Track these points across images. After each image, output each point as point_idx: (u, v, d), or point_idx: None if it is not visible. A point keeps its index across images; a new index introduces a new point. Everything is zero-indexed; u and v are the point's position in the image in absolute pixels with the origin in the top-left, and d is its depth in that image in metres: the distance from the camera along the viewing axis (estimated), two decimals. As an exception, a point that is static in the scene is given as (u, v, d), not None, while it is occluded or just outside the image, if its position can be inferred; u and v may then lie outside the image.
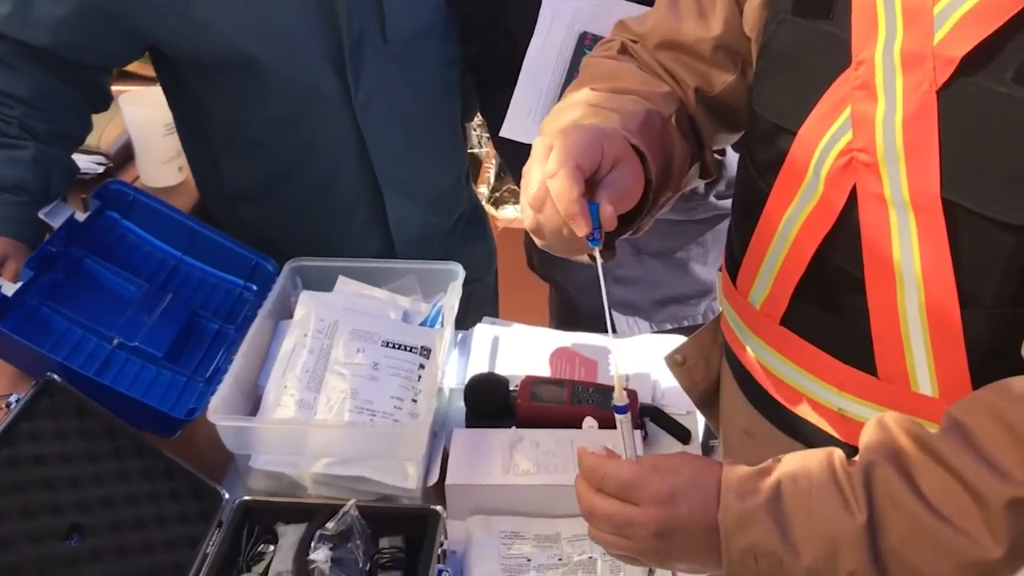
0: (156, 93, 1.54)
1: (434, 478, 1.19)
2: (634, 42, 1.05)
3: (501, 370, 1.36)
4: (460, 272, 1.37)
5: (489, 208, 2.49)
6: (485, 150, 2.77)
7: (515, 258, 1.87)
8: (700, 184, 1.11)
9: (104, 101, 1.46)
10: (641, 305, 1.67)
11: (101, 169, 1.65)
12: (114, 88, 1.48)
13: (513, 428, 1.23)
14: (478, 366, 1.39)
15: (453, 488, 1.17)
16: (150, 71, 1.51)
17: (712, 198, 1.57)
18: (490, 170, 2.71)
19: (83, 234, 1.30)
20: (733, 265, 1.00)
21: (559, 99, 1.41)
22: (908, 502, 0.72)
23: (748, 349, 0.98)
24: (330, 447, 1.17)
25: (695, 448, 1.26)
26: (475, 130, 2.70)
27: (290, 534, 1.08)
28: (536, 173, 0.82)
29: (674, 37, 1.01)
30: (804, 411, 0.93)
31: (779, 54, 0.90)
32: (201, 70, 1.39)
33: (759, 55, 0.94)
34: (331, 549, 1.04)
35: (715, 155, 1.10)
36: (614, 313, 1.67)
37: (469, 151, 1.97)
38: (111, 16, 1.30)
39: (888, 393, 0.85)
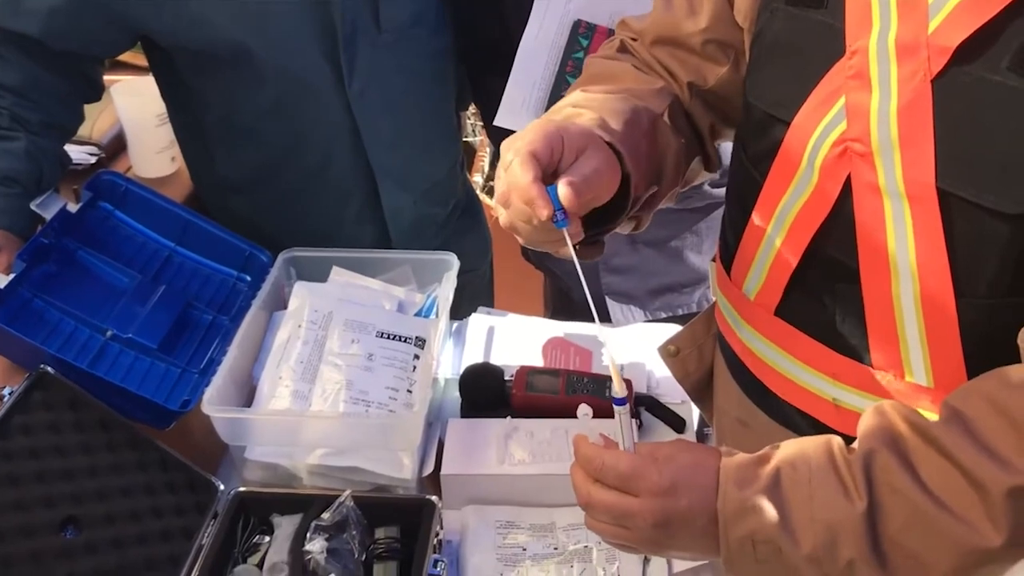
0: (149, 83, 1.53)
1: (429, 468, 1.20)
2: (633, 40, 1.06)
3: (496, 360, 1.36)
4: (455, 262, 1.37)
5: (484, 197, 2.48)
6: (479, 139, 2.76)
7: (510, 248, 1.85)
8: (707, 178, 1.11)
9: (96, 92, 1.45)
10: (635, 294, 1.67)
11: (93, 160, 1.65)
12: (106, 78, 1.47)
13: (508, 418, 1.23)
14: (473, 356, 1.39)
15: (448, 478, 1.17)
16: (142, 61, 1.51)
17: (707, 187, 1.57)
18: (484, 159, 2.70)
19: (76, 225, 1.29)
20: (727, 255, 1.00)
21: (553, 88, 1.42)
22: (908, 490, 0.73)
23: (742, 339, 0.98)
24: (325, 438, 1.17)
25: (689, 437, 1.27)
26: (469, 119, 2.69)
27: (285, 525, 1.08)
28: (501, 173, 0.83)
29: (667, 33, 1.02)
30: (798, 401, 0.93)
31: (772, 44, 0.90)
32: (194, 60, 1.38)
33: (752, 45, 0.94)
34: (327, 540, 1.04)
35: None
36: (609, 301, 1.67)
37: (463, 140, 1.96)
38: (102, 5, 1.29)
39: (883, 383, 0.85)
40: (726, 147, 1.47)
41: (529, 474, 1.16)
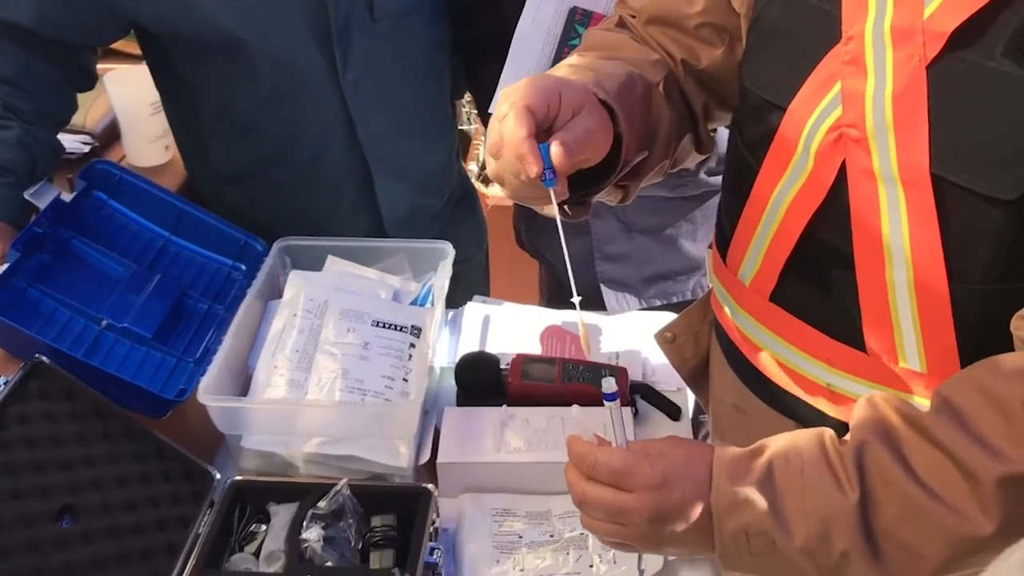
0: (142, 71, 1.52)
1: (425, 456, 1.20)
2: (632, 17, 1.06)
3: (492, 349, 1.36)
4: (450, 251, 1.37)
5: (479, 185, 2.48)
6: (474, 127, 2.75)
7: (505, 236, 1.86)
8: (698, 159, 1.11)
9: (89, 80, 1.44)
10: (630, 282, 1.67)
11: (87, 149, 1.64)
12: (99, 66, 1.46)
13: (504, 406, 1.23)
14: (469, 345, 1.39)
15: (444, 466, 1.18)
16: (136, 49, 1.50)
17: (702, 175, 1.57)
18: (479, 147, 2.69)
19: (70, 215, 1.29)
20: (723, 242, 1.00)
21: (550, 73, 1.41)
22: (900, 481, 0.73)
23: (737, 325, 0.98)
24: (321, 426, 1.17)
25: (685, 424, 1.27)
26: (464, 107, 2.68)
27: (282, 513, 1.08)
28: (495, 123, 0.83)
29: (661, 13, 1.02)
30: (793, 387, 0.93)
31: (769, 30, 0.90)
32: (187, 50, 1.38)
33: (749, 30, 0.94)
34: (323, 528, 1.04)
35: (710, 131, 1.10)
36: (603, 289, 1.67)
37: (458, 128, 1.95)
38: (94, -7, 1.29)
39: (876, 368, 0.85)
40: (722, 134, 1.47)
41: (525, 462, 1.17)
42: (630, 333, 1.39)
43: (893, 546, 0.73)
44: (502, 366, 1.28)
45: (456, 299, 1.48)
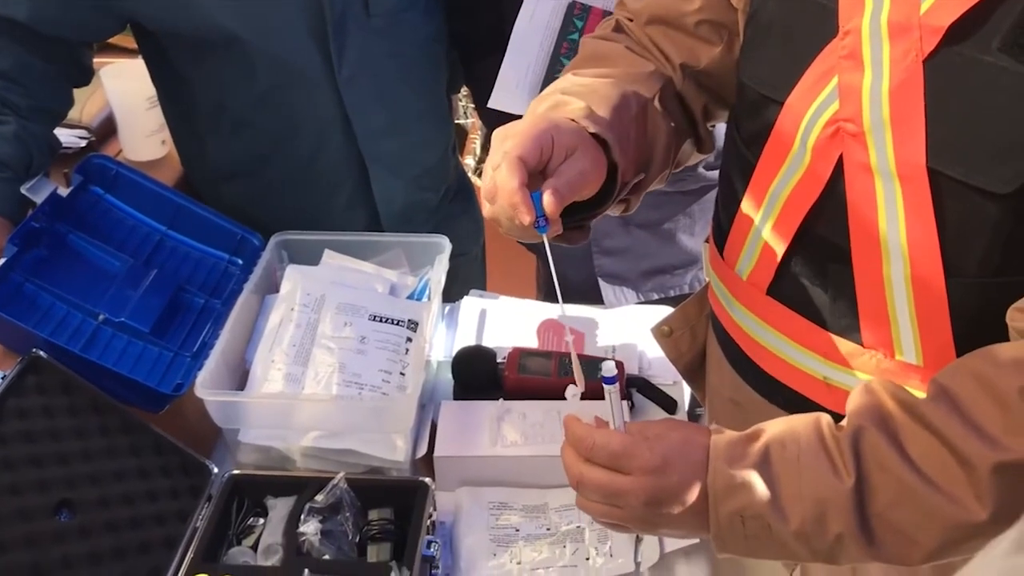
0: (138, 65, 1.52)
1: (422, 450, 1.20)
2: (629, 20, 1.06)
3: (489, 343, 1.36)
4: (447, 245, 1.37)
5: (475, 180, 2.48)
6: (471, 121, 2.75)
7: (502, 230, 1.86)
8: (700, 159, 1.12)
9: (85, 76, 1.44)
10: (628, 276, 1.68)
11: (83, 143, 1.63)
12: (96, 61, 1.46)
13: (501, 400, 1.24)
14: (465, 339, 1.39)
15: (441, 460, 1.18)
16: (132, 43, 1.49)
17: (700, 169, 1.58)
18: (476, 141, 2.69)
19: (66, 209, 1.29)
20: (720, 236, 1.00)
21: (548, 69, 1.41)
22: (896, 466, 0.73)
23: (734, 319, 0.99)
24: (318, 420, 1.17)
25: (681, 418, 1.27)
26: (460, 100, 2.68)
27: (279, 507, 1.08)
28: (489, 170, 0.84)
29: (662, 12, 1.02)
30: (790, 380, 0.94)
31: (766, 24, 0.90)
32: (184, 48, 1.38)
33: (746, 25, 0.94)
34: (321, 522, 1.04)
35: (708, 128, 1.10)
36: (601, 283, 1.68)
37: (455, 122, 1.95)
38: (90, -11, 1.28)
39: (873, 362, 0.86)
40: (720, 129, 1.47)
41: (522, 455, 1.17)
42: (627, 327, 1.39)
43: (887, 531, 0.74)
44: (499, 360, 1.28)
45: (453, 293, 1.48)
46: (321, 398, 1.17)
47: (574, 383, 1.21)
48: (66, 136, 1.56)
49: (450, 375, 1.30)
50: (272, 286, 1.34)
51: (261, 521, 1.09)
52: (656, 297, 1.68)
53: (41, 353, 1.11)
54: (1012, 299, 0.76)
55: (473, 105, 2.03)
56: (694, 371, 1.17)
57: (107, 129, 1.68)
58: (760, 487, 0.75)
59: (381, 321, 1.25)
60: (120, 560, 1.03)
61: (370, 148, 1.47)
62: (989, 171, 0.74)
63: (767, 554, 0.78)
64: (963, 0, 0.73)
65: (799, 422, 0.79)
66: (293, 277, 1.29)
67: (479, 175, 2.58)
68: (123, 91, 1.62)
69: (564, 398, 1.21)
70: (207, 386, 1.13)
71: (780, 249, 0.90)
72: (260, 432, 1.18)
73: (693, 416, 1.29)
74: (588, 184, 0.86)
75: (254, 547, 1.07)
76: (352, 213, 1.54)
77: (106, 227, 1.34)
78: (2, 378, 1.07)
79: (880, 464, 0.74)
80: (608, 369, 0.82)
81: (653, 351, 1.28)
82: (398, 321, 1.26)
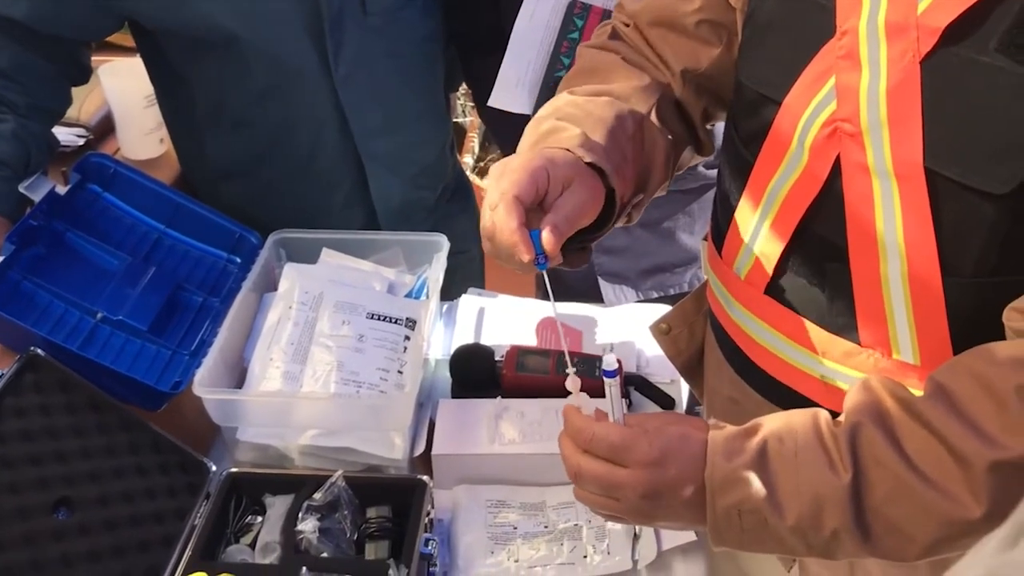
0: (136, 64, 1.52)
1: (420, 448, 1.20)
2: (626, 25, 1.06)
3: (487, 341, 1.36)
4: (445, 243, 1.37)
5: (474, 178, 2.48)
6: (470, 119, 2.75)
7: (500, 229, 1.86)
8: (700, 160, 1.12)
9: (83, 74, 1.44)
10: (627, 274, 1.68)
11: (81, 141, 1.63)
12: (94, 59, 1.46)
13: (499, 398, 1.24)
14: (463, 337, 1.39)
15: (439, 458, 1.18)
16: (130, 41, 1.49)
17: (700, 168, 1.58)
18: (475, 140, 2.69)
19: (64, 207, 1.29)
20: (719, 235, 1.00)
21: (548, 68, 1.41)
22: (892, 463, 0.74)
23: (732, 318, 0.99)
24: (316, 419, 1.17)
25: (680, 416, 1.27)
26: (459, 99, 2.68)
27: (278, 505, 1.08)
28: (487, 210, 0.85)
29: (661, 14, 1.02)
30: (787, 378, 0.94)
31: (764, 24, 0.90)
32: (181, 45, 1.38)
33: (744, 25, 0.94)
34: (319, 520, 1.04)
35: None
36: (601, 281, 1.68)
37: (453, 121, 1.95)
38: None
39: (870, 361, 0.86)
40: (720, 129, 1.48)
41: (520, 453, 1.17)
42: (625, 325, 1.40)
43: (883, 526, 0.74)
44: (497, 358, 1.28)
45: (451, 291, 1.48)
46: (319, 396, 1.17)
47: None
48: (64, 134, 1.56)
49: (448, 373, 1.30)
50: (270, 284, 1.34)
51: (259, 519, 1.09)
52: (656, 295, 1.68)
53: (39, 351, 1.11)
54: (1008, 299, 0.76)
55: (473, 104, 2.03)
56: (692, 369, 1.17)
57: (105, 127, 1.68)
58: (757, 482, 0.76)
59: (379, 319, 1.25)
60: (118, 558, 1.03)
61: (367, 147, 1.47)
62: (986, 171, 0.74)
63: (763, 548, 0.79)
64: (960, 1, 0.73)
65: (797, 417, 0.79)
66: (291, 275, 1.29)
67: (477, 173, 2.58)
68: (121, 89, 1.62)
69: (562, 396, 1.22)
70: (205, 384, 1.13)
71: (778, 248, 0.90)
72: (258, 430, 1.18)
73: (691, 414, 1.29)
74: (586, 214, 0.88)
75: (252, 545, 1.07)
76: (350, 211, 1.54)
77: (104, 225, 1.34)
78: (0, 376, 1.07)
79: (877, 460, 0.74)
80: (608, 363, 0.82)
81: (651, 349, 1.28)
82: (396, 319, 1.26)
